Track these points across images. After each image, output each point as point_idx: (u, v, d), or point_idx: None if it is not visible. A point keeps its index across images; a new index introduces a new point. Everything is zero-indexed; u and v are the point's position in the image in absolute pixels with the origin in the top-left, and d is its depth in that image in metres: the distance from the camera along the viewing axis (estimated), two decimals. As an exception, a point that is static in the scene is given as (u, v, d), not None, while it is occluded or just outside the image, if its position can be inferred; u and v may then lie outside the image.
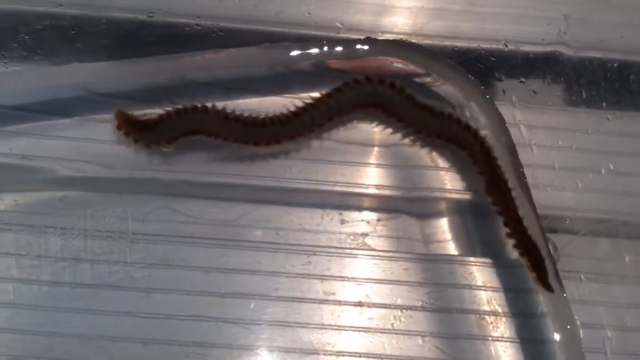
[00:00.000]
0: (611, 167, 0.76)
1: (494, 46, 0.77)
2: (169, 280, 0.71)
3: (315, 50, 0.76)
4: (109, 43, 0.75)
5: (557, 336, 0.69)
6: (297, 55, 0.75)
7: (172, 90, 0.76)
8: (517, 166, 0.73)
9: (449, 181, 0.77)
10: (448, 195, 0.76)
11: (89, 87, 0.75)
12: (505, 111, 0.76)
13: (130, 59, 0.73)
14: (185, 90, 0.77)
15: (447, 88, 0.78)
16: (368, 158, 0.77)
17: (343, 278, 0.73)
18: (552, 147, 0.75)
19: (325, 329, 0.70)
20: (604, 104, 0.77)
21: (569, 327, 0.67)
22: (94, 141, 0.75)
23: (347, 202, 0.76)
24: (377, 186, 0.77)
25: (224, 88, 0.78)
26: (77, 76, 0.74)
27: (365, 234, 0.75)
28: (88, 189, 0.74)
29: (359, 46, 0.77)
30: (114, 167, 0.74)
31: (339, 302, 0.72)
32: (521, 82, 0.77)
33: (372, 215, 0.76)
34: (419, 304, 0.72)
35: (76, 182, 0.74)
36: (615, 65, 0.77)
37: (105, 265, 0.71)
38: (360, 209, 0.76)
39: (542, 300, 0.70)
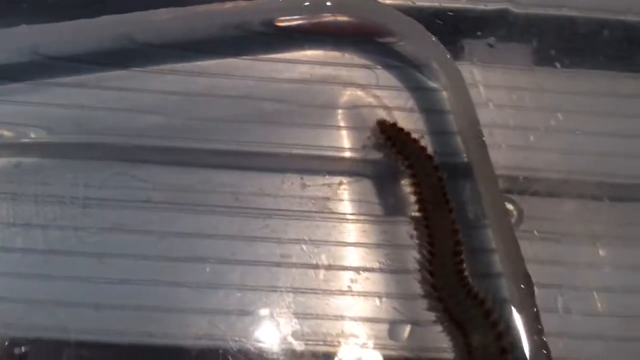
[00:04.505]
0: (567, 125, 0.75)
1: (453, 5, 0.76)
2: (122, 245, 0.70)
3: (271, 9, 0.75)
4: (56, 3, 0.73)
5: (512, 296, 0.68)
6: (251, 15, 0.74)
7: (124, 52, 0.75)
8: (475, 125, 0.72)
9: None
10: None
11: (38, 50, 0.73)
12: (464, 70, 0.75)
13: (79, 20, 0.71)
14: (139, 53, 0.76)
15: (408, 47, 0.77)
16: (327, 120, 0.76)
17: (300, 241, 0.72)
18: (508, 106, 0.75)
19: (281, 291, 0.70)
20: (552, 52, 0.76)
21: (522, 286, 0.67)
22: (46, 105, 0.73)
23: (308, 165, 0.75)
24: (338, 148, 0.76)
25: (179, 50, 0.76)
26: (26, 39, 0.72)
27: (326, 198, 0.74)
28: (39, 155, 0.72)
29: (316, 3, 0.75)
30: (66, 132, 0.73)
31: (295, 265, 0.71)
32: (478, 36, 0.76)
33: (333, 179, 0.75)
34: (377, 265, 0.72)
35: (27, 148, 0.72)
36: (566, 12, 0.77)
37: (57, 231, 0.70)
38: (321, 172, 0.75)
39: (498, 261, 0.70)
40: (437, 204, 0.70)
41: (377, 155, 0.75)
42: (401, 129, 0.73)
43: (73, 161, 0.73)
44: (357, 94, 0.77)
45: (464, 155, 0.74)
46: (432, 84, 0.77)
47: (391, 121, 0.74)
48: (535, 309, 0.66)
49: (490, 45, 0.76)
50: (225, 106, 0.76)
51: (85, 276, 0.68)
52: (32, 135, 0.73)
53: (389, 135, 0.73)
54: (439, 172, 0.71)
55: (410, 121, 0.76)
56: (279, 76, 0.77)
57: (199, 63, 0.77)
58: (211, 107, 0.76)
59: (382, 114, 0.76)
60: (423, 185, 0.71)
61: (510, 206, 0.74)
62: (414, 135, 0.72)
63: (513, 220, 0.74)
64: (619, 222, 0.74)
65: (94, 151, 0.73)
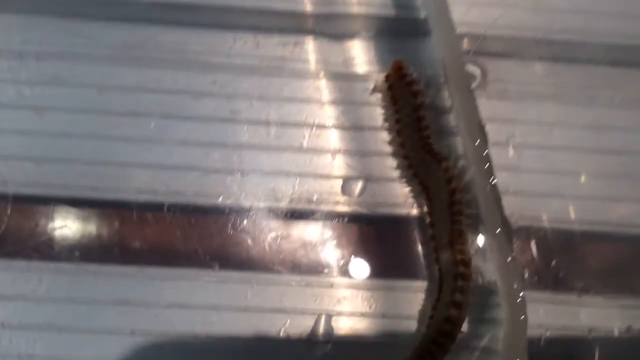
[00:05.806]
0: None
1: None
2: (60, 99, 0.67)
3: None
4: None
5: (466, 151, 0.66)
6: None
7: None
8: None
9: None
10: (366, 10, 0.71)
11: None
12: None
13: None
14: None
15: None
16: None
17: (251, 96, 0.69)
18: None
19: (230, 147, 0.67)
20: None
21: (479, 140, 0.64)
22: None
23: (261, 22, 0.71)
24: (293, 1, 0.71)
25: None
26: None
27: (281, 58, 0.71)
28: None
29: None
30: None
31: (244, 121, 0.68)
32: None
33: (289, 39, 0.71)
34: (330, 122, 0.69)
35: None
36: None
37: (-7, 83, 0.67)
38: (276, 31, 0.71)
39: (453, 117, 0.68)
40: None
41: (334, 9, 0.71)
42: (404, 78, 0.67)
43: (11, 14, 0.68)
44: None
45: (424, 10, 0.70)
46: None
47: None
48: (489, 163, 0.64)
49: None
50: (172, -45, 0.71)
51: (23, 129, 0.66)
52: (-37, -15, 0.68)
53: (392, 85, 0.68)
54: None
55: (369, -28, 0.72)
56: None
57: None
58: (158, -44, 0.71)
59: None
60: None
61: (474, 68, 0.71)
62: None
63: (477, 82, 0.71)
64: (585, 83, 0.72)
65: (33, 4, 0.69)
